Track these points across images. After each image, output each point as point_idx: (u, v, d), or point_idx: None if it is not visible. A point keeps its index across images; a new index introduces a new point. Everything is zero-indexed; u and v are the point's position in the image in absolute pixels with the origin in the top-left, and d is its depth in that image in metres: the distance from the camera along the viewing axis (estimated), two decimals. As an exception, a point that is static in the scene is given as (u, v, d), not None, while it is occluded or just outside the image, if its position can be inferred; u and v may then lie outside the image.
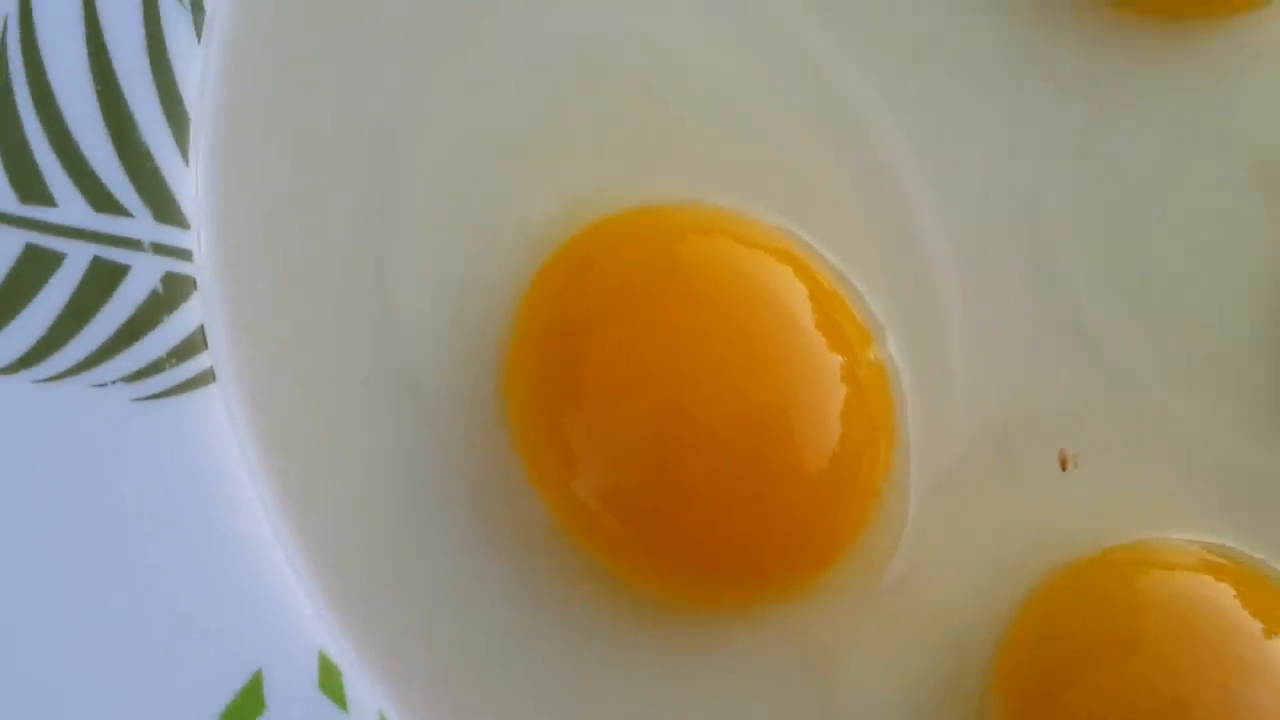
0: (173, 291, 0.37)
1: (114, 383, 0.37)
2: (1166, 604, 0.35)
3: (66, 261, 0.37)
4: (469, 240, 0.38)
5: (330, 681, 0.36)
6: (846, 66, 0.39)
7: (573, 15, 0.39)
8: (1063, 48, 0.39)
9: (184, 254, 0.38)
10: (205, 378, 0.37)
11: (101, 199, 0.37)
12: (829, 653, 0.37)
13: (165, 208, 0.38)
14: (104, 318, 0.37)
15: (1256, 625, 0.35)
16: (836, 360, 0.36)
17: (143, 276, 0.37)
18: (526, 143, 0.38)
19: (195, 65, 0.38)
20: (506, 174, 0.38)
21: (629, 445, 0.35)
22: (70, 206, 0.37)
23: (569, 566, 0.37)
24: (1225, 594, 0.35)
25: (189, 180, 0.38)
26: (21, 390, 0.36)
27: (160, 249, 0.37)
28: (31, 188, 0.37)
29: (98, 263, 0.37)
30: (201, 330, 0.38)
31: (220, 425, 0.37)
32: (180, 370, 0.37)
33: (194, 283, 0.38)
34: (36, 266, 0.37)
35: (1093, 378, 0.38)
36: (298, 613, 0.36)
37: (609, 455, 0.36)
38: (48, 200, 0.37)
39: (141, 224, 0.37)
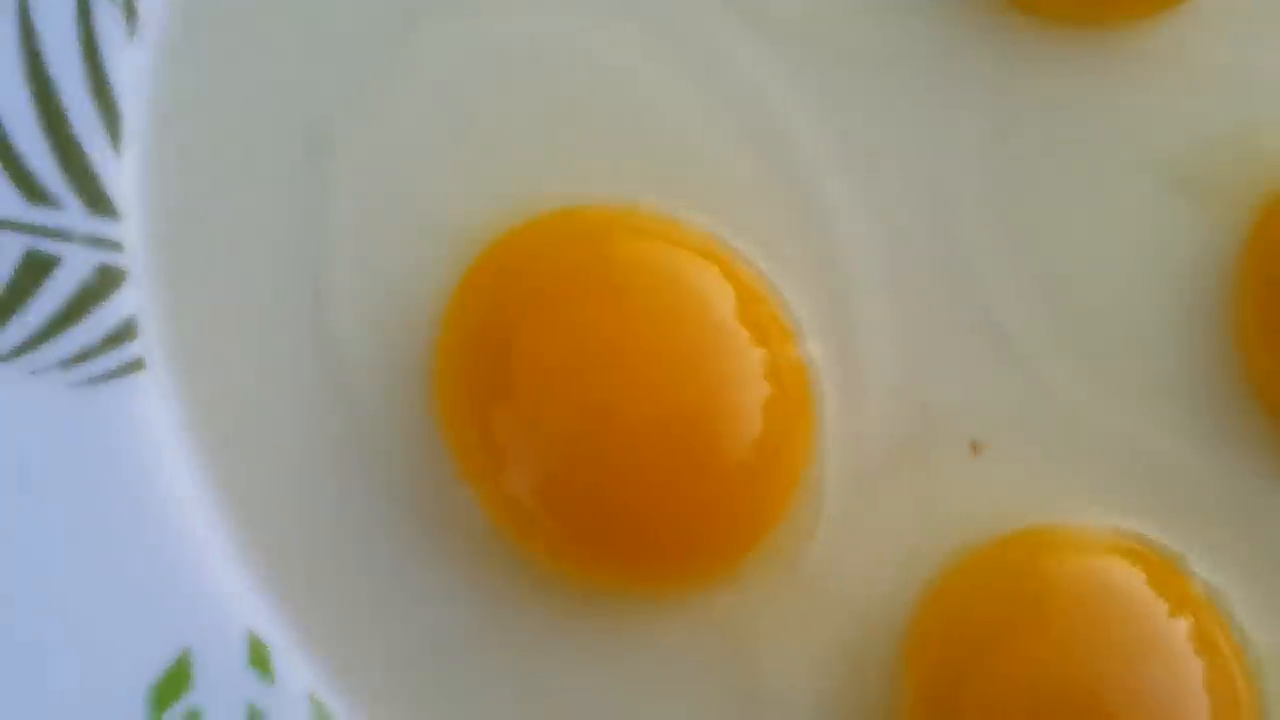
0: (105, 283, 0.37)
1: (48, 369, 0.37)
2: (1072, 586, 0.36)
3: (-2, 253, 0.37)
4: (399, 237, 0.38)
5: (260, 660, 0.36)
6: (768, 69, 0.39)
7: (500, 20, 0.39)
8: (981, 52, 0.39)
9: (116, 246, 0.38)
10: (136, 365, 0.37)
11: (33, 191, 0.37)
12: (750, 637, 0.37)
13: (97, 200, 0.38)
14: (36, 308, 0.37)
15: (1162, 608, 0.35)
16: (759, 357, 0.36)
17: (75, 268, 0.37)
18: (455, 144, 0.39)
19: (128, 61, 0.38)
20: (436, 174, 0.39)
21: (555, 439, 0.36)
22: (2, 198, 0.37)
23: (497, 556, 0.37)
24: (1131, 577, 0.36)
25: (121, 173, 0.38)
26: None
27: (92, 241, 0.37)
28: (-39, 180, 0.37)
29: (30, 254, 0.37)
30: (133, 321, 0.37)
31: (154, 411, 0.37)
32: (112, 357, 0.37)
33: (126, 274, 0.38)
34: (-33, 258, 0.37)
35: (1008, 373, 0.38)
36: (227, 593, 0.36)
37: (535, 449, 0.36)
38: (-22, 192, 0.37)
39: (73, 216, 0.37)
